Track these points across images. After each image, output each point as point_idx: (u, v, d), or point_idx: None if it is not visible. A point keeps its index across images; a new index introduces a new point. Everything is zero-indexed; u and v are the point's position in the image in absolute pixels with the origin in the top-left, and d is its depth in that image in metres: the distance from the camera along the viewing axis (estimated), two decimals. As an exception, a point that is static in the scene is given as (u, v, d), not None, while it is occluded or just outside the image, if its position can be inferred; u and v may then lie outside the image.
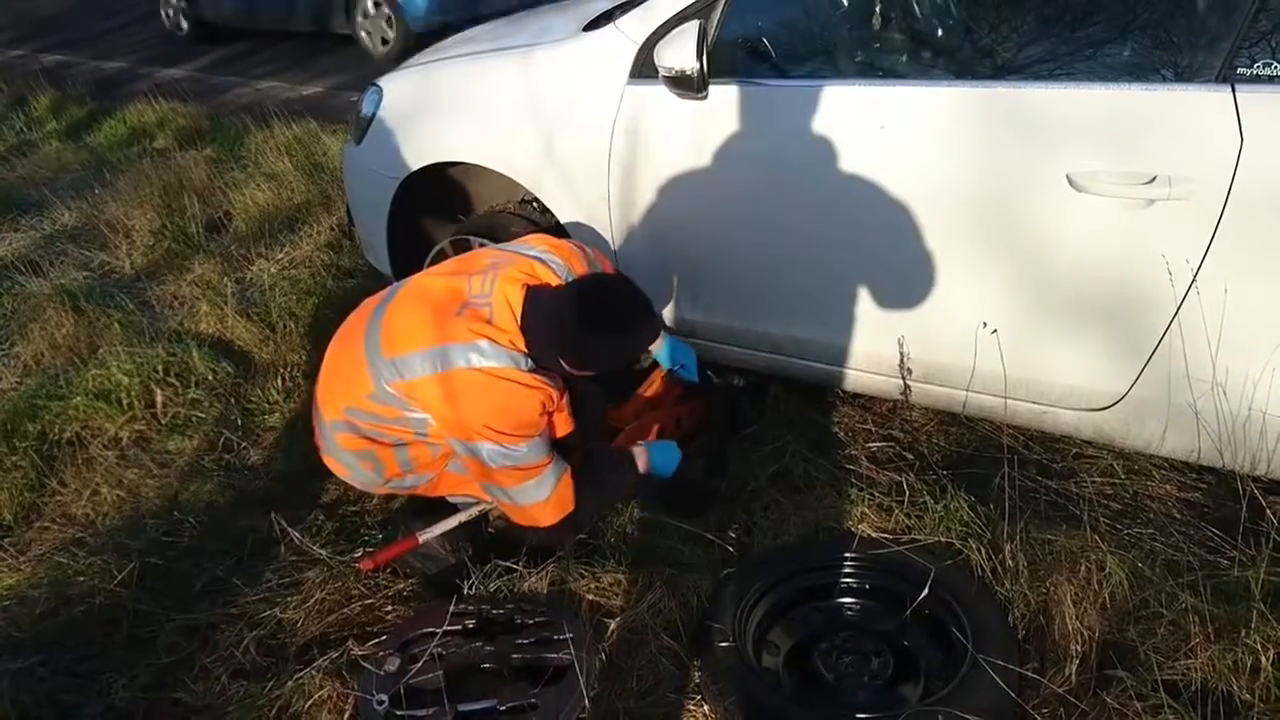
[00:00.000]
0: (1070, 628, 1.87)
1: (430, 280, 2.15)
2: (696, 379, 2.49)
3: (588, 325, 1.99)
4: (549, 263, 2.12)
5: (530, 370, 1.98)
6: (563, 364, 2.03)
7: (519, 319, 1.99)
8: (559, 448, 2.10)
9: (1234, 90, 1.76)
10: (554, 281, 2.10)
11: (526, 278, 2.06)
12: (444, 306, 2.01)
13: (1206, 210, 1.81)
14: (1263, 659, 1.75)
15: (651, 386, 2.56)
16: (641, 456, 2.24)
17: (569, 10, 2.90)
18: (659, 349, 2.43)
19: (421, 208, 3.00)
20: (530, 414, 1.97)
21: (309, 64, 7.84)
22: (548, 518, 2.07)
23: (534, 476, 2.01)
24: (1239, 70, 1.77)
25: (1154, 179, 1.84)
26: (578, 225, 2.63)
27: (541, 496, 2.03)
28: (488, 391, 1.94)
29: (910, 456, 2.51)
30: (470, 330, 1.95)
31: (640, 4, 2.40)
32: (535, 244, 2.21)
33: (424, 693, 1.89)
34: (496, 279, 2.03)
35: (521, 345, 1.99)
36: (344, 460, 2.18)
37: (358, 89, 3.33)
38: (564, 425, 2.11)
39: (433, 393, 1.97)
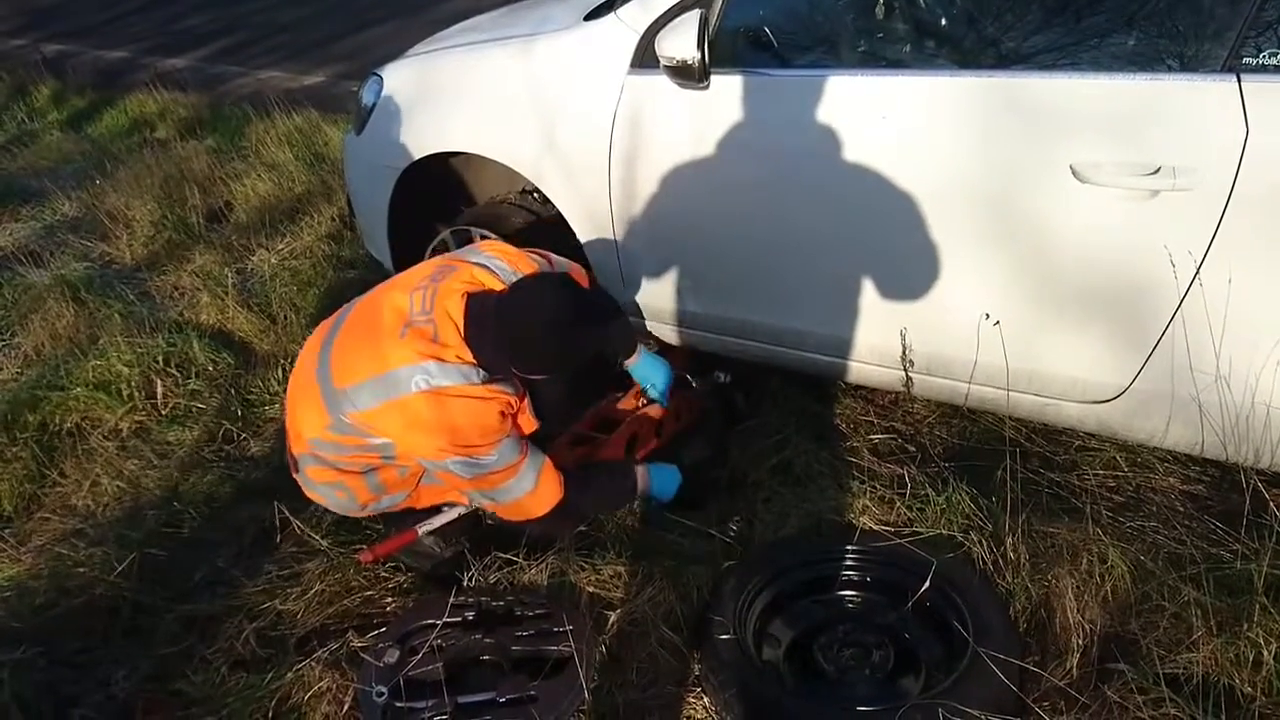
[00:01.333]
0: (1072, 621, 1.86)
1: (376, 300, 2.09)
2: (664, 403, 2.43)
3: (535, 327, 1.92)
4: (492, 267, 2.07)
5: (484, 381, 1.94)
6: (514, 370, 2.00)
7: (462, 331, 1.95)
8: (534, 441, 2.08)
9: (1239, 80, 1.74)
10: (497, 287, 2.04)
11: (466, 286, 2.01)
12: (388, 330, 1.96)
13: (1211, 201, 1.79)
14: (1265, 652, 1.74)
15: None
16: (643, 478, 2.24)
17: (570, -1, 2.89)
18: (634, 363, 2.39)
19: (422, 198, 2.99)
20: (491, 422, 1.95)
21: (310, 54, 7.81)
22: (539, 508, 2.06)
23: (512, 476, 2.00)
24: (1244, 60, 1.75)
25: (1158, 170, 1.82)
26: (577, 217, 2.61)
27: (525, 489, 2.02)
28: (443, 411, 1.90)
29: (912, 449, 2.51)
30: (416, 352, 1.91)
31: (641, -7, 2.38)
32: (484, 250, 2.19)
33: (423, 685, 1.89)
34: (436, 293, 1.98)
35: (469, 358, 1.94)
36: (319, 491, 2.18)
37: (359, 79, 3.32)
38: (528, 424, 2.08)
39: (389, 420, 1.94)
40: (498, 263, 2.10)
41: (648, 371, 2.40)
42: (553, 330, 1.93)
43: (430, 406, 1.90)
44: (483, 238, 2.75)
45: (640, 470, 2.25)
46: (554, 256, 2.31)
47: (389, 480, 2.12)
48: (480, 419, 1.93)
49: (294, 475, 2.22)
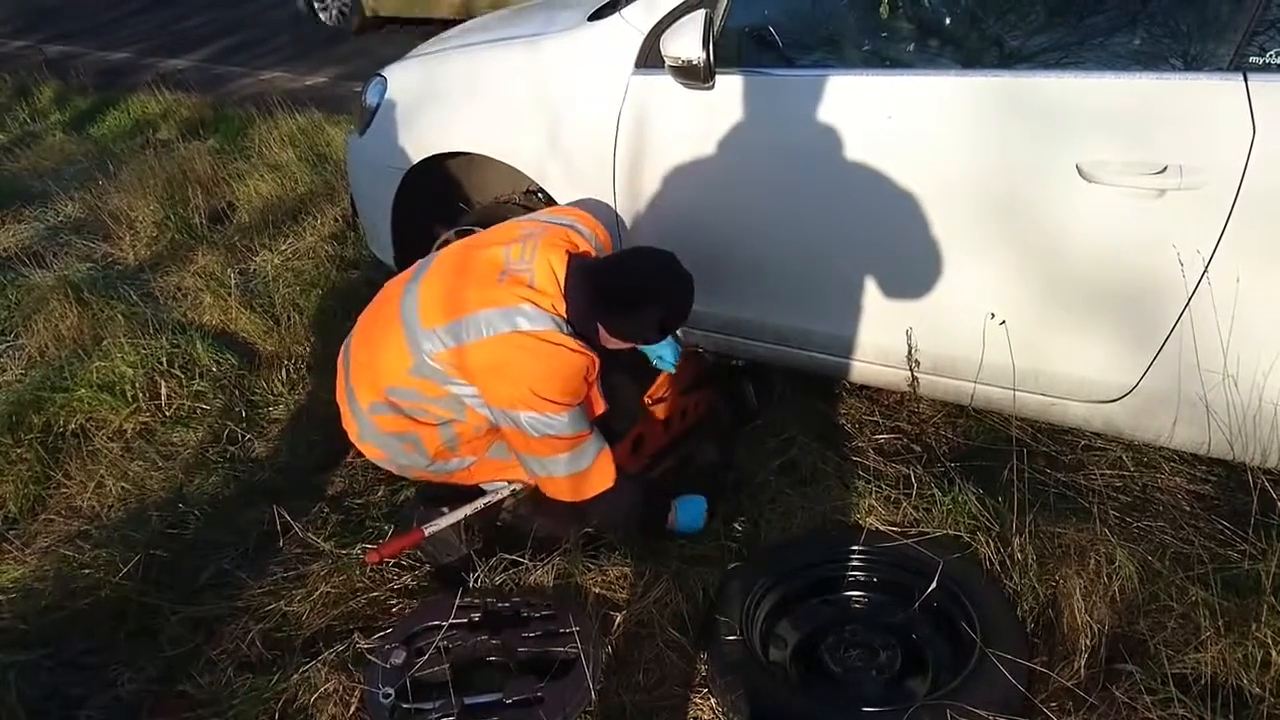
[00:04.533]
0: (1079, 621, 1.86)
1: (465, 251, 2.15)
2: (672, 369, 2.41)
3: (634, 291, 2.01)
4: (580, 231, 2.14)
5: (572, 335, 1.99)
6: (601, 331, 2.04)
7: (562, 285, 2.00)
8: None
9: (1246, 79, 1.74)
10: (589, 250, 2.11)
11: (566, 245, 2.07)
12: (484, 274, 2.02)
13: (1218, 200, 1.79)
14: (1273, 653, 1.74)
15: (660, 382, 2.54)
16: (671, 517, 2.25)
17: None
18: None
19: (426, 199, 2.99)
20: (574, 379, 1.98)
21: (313, 54, 7.82)
22: (586, 490, 2.08)
23: (574, 447, 2.02)
24: (1251, 59, 1.75)
25: (1165, 169, 1.82)
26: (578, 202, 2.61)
27: (581, 467, 2.05)
28: (534, 355, 1.94)
29: (918, 449, 2.50)
30: (514, 294, 1.96)
31: (646, -7, 2.38)
32: (564, 214, 2.23)
33: (430, 686, 1.89)
34: (538, 246, 2.04)
35: (563, 310, 1.99)
36: (383, 444, 2.18)
37: (361, 79, 3.32)
38: (597, 403, 2.11)
39: (477, 359, 1.97)
40: (582, 228, 2.16)
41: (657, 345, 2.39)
42: (656, 296, 2.03)
43: (521, 349, 1.94)
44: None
45: (670, 506, 2.26)
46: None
47: (463, 435, 2.13)
48: (565, 371, 1.96)
49: (349, 428, 2.23)
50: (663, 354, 2.37)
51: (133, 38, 9.48)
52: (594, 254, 2.14)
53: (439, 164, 2.87)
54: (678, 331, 2.40)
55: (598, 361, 2.04)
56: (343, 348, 2.28)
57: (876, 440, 2.56)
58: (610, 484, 2.10)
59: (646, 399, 2.50)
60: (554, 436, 1.99)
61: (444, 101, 2.83)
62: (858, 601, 2.11)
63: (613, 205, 2.52)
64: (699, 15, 2.16)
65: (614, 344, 2.09)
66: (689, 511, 2.28)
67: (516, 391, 1.95)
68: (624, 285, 2.02)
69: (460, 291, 2.02)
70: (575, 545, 2.21)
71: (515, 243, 2.07)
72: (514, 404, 1.96)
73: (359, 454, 2.67)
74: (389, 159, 2.92)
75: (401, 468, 2.24)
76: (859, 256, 2.27)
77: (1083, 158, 1.89)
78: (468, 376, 2.01)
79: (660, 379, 2.50)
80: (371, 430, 2.16)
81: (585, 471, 2.06)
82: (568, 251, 2.05)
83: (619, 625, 2.03)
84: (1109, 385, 2.08)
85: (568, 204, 2.48)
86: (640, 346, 2.38)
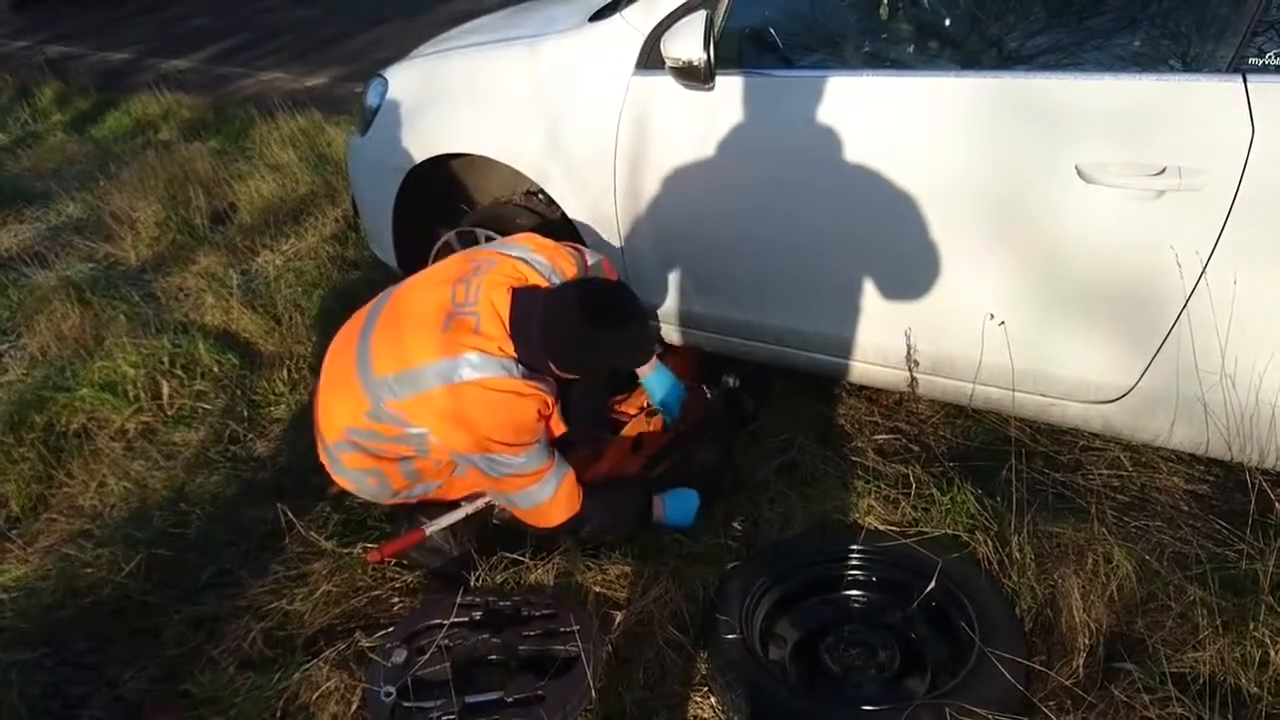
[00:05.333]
0: (1078, 620, 1.86)
1: (415, 291, 2.12)
2: (670, 420, 2.43)
3: (580, 326, 1.95)
4: (532, 262, 2.09)
5: (523, 376, 1.96)
6: (553, 367, 2.01)
7: (507, 324, 1.97)
8: (560, 447, 2.10)
9: (1245, 80, 1.75)
10: (540, 282, 2.06)
11: (511, 280, 2.03)
12: (429, 321, 1.98)
13: (1217, 201, 1.80)
14: (1271, 652, 1.75)
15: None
16: (658, 507, 2.25)
17: (575, 0, 2.89)
18: (646, 374, 2.37)
19: (427, 200, 2.99)
20: (527, 422, 1.97)
21: (313, 55, 7.82)
22: (556, 517, 2.09)
23: (536, 482, 2.02)
24: (1250, 60, 1.75)
25: (1164, 170, 1.82)
26: (582, 218, 2.62)
27: (545, 498, 2.05)
28: (484, 406, 1.92)
29: (917, 449, 2.51)
30: (459, 343, 1.93)
31: (646, -6, 2.39)
32: (520, 243, 2.19)
33: (431, 684, 1.90)
34: (482, 285, 2.00)
35: (511, 351, 1.96)
36: (352, 478, 2.20)
37: (362, 80, 3.32)
38: (557, 427, 2.10)
39: (427, 411, 1.96)
40: (536, 257, 2.12)
41: (658, 387, 2.38)
42: (598, 332, 1.97)
43: (470, 399, 1.92)
44: (488, 239, 2.76)
45: (656, 500, 2.26)
46: (586, 250, 2.32)
47: (424, 470, 2.14)
48: (517, 418, 1.95)
49: (323, 462, 2.23)
50: (666, 400, 2.37)
51: (133, 38, 9.48)
52: (546, 283, 2.08)
53: (440, 165, 2.88)
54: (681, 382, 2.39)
55: (552, 399, 2.02)
56: (314, 390, 2.28)
57: (876, 440, 2.56)
58: (577, 509, 2.10)
59: (641, 400, 2.51)
60: (514, 475, 1.99)
61: (445, 102, 2.83)
62: (857, 601, 2.11)
63: (613, 206, 2.53)
64: (700, 16, 2.16)
65: (571, 376, 2.08)
66: (680, 505, 2.28)
67: (472, 438, 1.94)
68: (568, 324, 1.95)
69: (406, 340, 1.99)
70: (575, 544, 2.22)
71: (460, 282, 2.03)
72: (470, 450, 1.97)
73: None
74: (390, 160, 2.92)
75: (373, 497, 2.25)
76: (858, 257, 2.27)
77: (1082, 159, 1.89)
78: (421, 425, 2.00)
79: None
80: (340, 466, 2.18)
81: (549, 501, 2.06)
82: (512, 288, 2.01)
83: (619, 624, 2.04)
84: (1107, 386, 2.09)
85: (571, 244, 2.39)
86: (643, 384, 2.39)
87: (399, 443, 2.06)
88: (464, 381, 1.91)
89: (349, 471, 2.17)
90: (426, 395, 1.94)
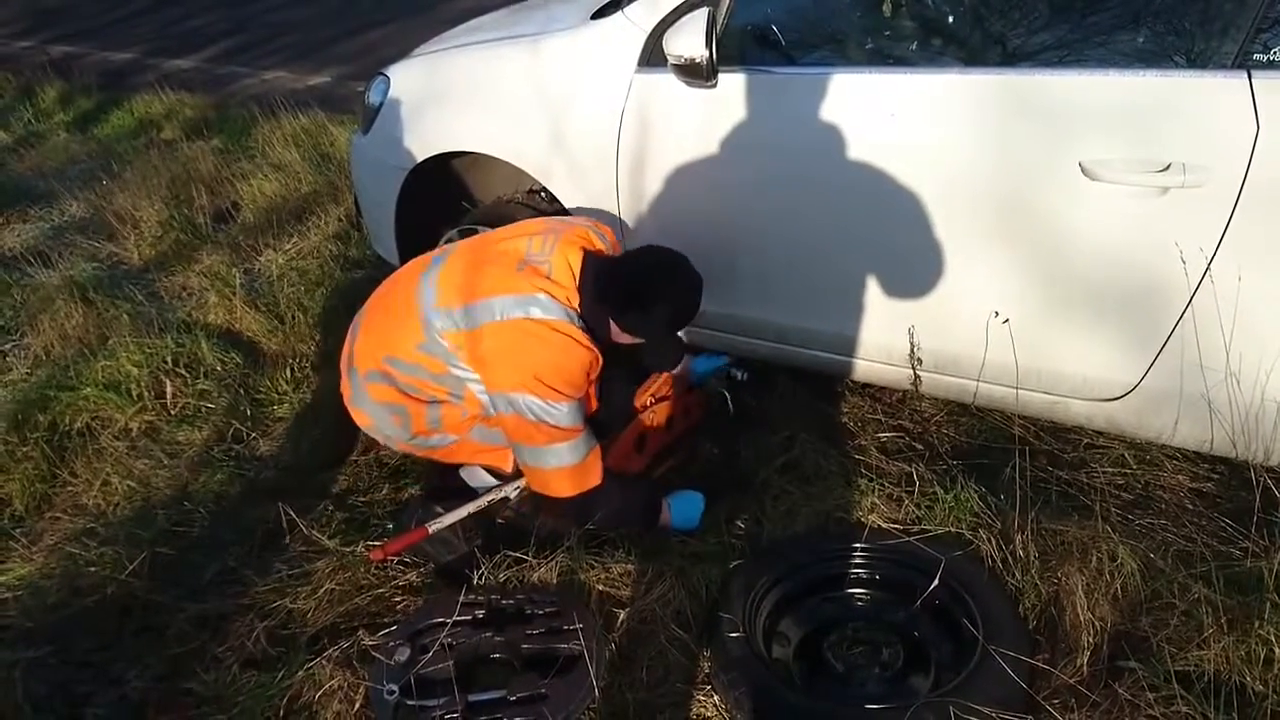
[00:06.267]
0: (1082, 618, 1.86)
1: (485, 242, 2.22)
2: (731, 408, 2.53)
3: (645, 287, 2.07)
4: (597, 234, 2.20)
5: (582, 329, 2.04)
6: (612, 326, 2.09)
7: (577, 279, 2.05)
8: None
9: (1250, 76, 1.75)
10: (602, 250, 2.17)
11: (583, 243, 2.13)
12: (503, 263, 2.09)
13: (1221, 198, 1.79)
14: (1276, 650, 1.74)
15: (662, 381, 2.55)
16: (664, 511, 2.26)
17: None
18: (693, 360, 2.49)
19: (429, 198, 2.99)
20: (579, 372, 2.03)
21: (316, 54, 7.82)
22: (571, 486, 2.10)
23: (566, 440, 2.05)
24: (1255, 56, 1.75)
25: (1168, 167, 1.82)
26: (585, 215, 2.61)
27: (573, 460, 2.07)
28: (544, 342, 1.99)
29: (920, 447, 2.51)
30: (531, 283, 2.02)
31: (648, -8, 2.38)
32: (582, 218, 2.30)
33: (434, 683, 1.89)
34: (557, 242, 2.10)
35: (576, 304, 2.04)
36: (371, 411, 2.22)
37: (364, 79, 3.32)
38: (592, 401, 2.16)
39: (488, 341, 2.02)
40: (601, 232, 2.23)
41: (703, 362, 2.55)
42: (660, 286, 2.09)
43: (532, 335, 2.00)
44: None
45: (663, 503, 2.26)
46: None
47: (448, 417, 2.17)
48: (571, 363, 2.02)
49: (343, 391, 2.29)
50: (706, 373, 2.52)
51: (136, 38, 9.48)
52: (608, 255, 2.19)
53: (442, 163, 2.88)
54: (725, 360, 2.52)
55: (601, 360, 2.08)
56: (355, 317, 2.33)
57: (879, 438, 2.56)
58: (598, 482, 2.13)
59: (649, 397, 2.50)
60: (552, 425, 2.02)
61: (447, 100, 2.83)
62: (860, 599, 2.11)
63: (616, 204, 2.53)
64: (702, 13, 2.16)
65: (624, 339, 2.14)
66: (685, 508, 2.28)
67: (522, 377, 1.99)
68: (636, 281, 2.08)
69: (478, 277, 2.08)
70: (578, 543, 2.21)
71: (536, 236, 2.14)
72: (518, 388, 2.00)
73: (364, 452, 2.69)
74: (392, 158, 2.92)
75: (386, 437, 2.29)
76: (861, 254, 2.27)
77: (1086, 156, 1.89)
78: (475, 362, 2.05)
79: (662, 377, 2.51)
80: (363, 397, 2.22)
81: (577, 466, 2.09)
82: (584, 249, 2.11)
83: (622, 622, 2.04)
84: (1111, 383, 2.08)
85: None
86: (694, 367, 2.50)
87: (437, 381, 2.11)
88: (531, 317, 1.99)
89: (372, 404, 2.20)
90: (493, 325, 2.01)
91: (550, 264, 2.06)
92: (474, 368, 2.07)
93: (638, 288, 2.08)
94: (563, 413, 2.02)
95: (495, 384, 2.04)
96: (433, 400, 2.15)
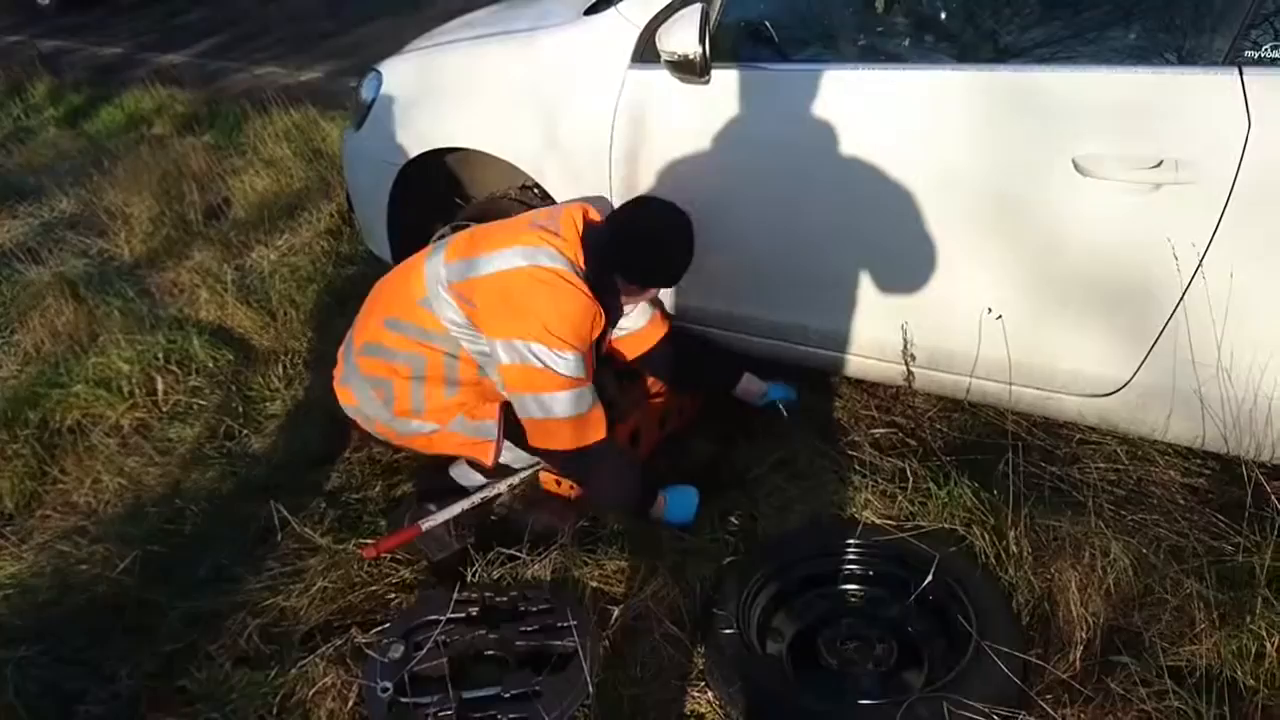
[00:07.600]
0: (1075, 614, 1.87)
1: (489, 224, 2.29)
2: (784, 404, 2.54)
3: (650, 234, 2.15)
4: (597, 207, 2.24)
5: (587, 284, 2.07)
6: (617, 280, 2.15)
7: (581, 236, 2.11)
8: None
9: (1241, 73, 1.75)
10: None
11: (584, 213, 2.18)
12: (511, 225, 2.19)
13: (1213, 194, 1.80)
14: (1268, 645, 1.75)
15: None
16: (659, 502, 2.25)
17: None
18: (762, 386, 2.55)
19: (422, 194, 2.98)
20: (584, 323, 2.05)
21: (308, 49, 7.79)
22: (573, 438, 2.10)
23: (570, 389, 2.05)
24: (1246, 53, 1.76)
25: (1160, 163, 1.82)
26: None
27: (578, 410, 2.07)
28: (551, 289, 2.02)
29: (913, 443, 2.51)
30: (540, 238, 2.08)
31: (642, -13, 2.38)
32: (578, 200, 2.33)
33: (428, 680, 1.89)
34: (562, 210, 2.18)
35: (581, 263, 2.08)
36: (357, 388, 2.23)
37: (357, 74, 3.31)
38: (591, 364, 2.16)
39: (494, 285, 2.05)
40: (595, 205, 2.26)
41: (777, 390, 2.58)
42: (662, 233, 2.15)
43: (539, 280, 2.03)
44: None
45: (658, 495, 2.26)
46: None
47: (431, 398, 2.17)
48: (576, 312, 2.04)
49: (336, 374, 2.31)
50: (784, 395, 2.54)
51: (127, 33, 9.44)
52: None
53: (435, 159, 2.87)
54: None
55: (604, 318, 2.11)
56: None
57: (872, 434, 2.56)
58: (603, 436, 2.13)
59: (635, 399, 2.51)
60: (557, 373, 2.03)
61: (440, 97, 2.82)
62: (854, 595, 2.11)
63: (609, 200, 2.52)
64: (695, 9, 2.15)
65: (627, 293, 2.19)
66: (680, 503, 2.27)
67: (528, 324, 2.01)
68: (641, 229, 2.15)
69: (485, 235, 2.17)
70: (572, 540, 2.21)
71: (541, 212, 2.23)
72: (526, 335, 2.01)
73: (356, 449, 2.69)
74: (385, 154, 2.91)
75: (366, 419, 2.26)
76: (855, 251, 2.27)
77: (1078, 152, 1.89)
78: (481, 310, 2.06)
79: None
80: (353, 372, 2.23)
81: (584, 416, 2.08)
82: (586, 216, 2.17)
83: (616, 619, 2.03)
84: (1104, 379, 2.09)
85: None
86: (771, 392, 2.54)
87: (433, 340, 2.12)
88: (539, 264, 2.03)
89: (360, 378, 2.21)
90: (502, 272, 2.05)
91: (558, 224, 2.12)
92: (477, 319, 2.08)
93: (641, 236, 2.15)
94: (569, 361, 2.03)
95: (503, 331, 2.04)
96: (418, 376, 2.14)
